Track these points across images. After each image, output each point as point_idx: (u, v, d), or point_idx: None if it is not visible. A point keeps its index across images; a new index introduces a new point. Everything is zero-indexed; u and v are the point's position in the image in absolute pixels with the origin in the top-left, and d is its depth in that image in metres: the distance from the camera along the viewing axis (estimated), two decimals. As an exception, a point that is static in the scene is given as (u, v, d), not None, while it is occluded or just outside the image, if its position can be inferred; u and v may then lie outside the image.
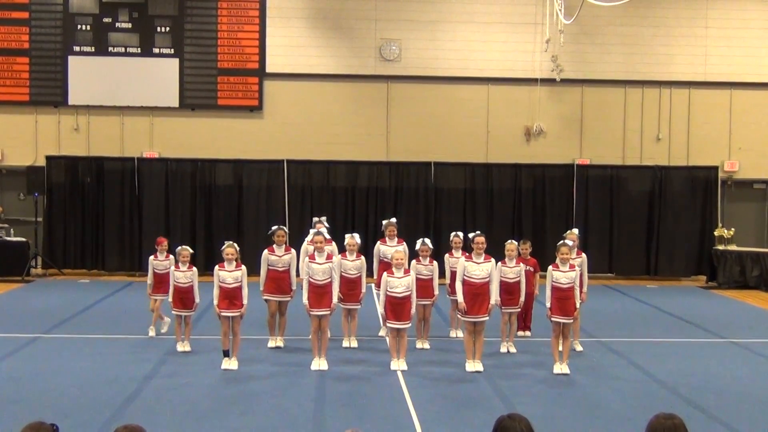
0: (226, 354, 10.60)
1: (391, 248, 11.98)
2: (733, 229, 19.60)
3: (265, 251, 11.75)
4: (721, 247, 19.52)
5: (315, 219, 13.10)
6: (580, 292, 11.02)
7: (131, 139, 20.15)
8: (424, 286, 11.36)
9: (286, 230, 12.05)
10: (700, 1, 20.68)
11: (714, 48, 20.69)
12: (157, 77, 19.97)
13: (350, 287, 11.51)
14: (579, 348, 11.88)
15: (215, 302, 10.66)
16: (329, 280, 10.65)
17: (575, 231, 12.42)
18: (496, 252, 11.37)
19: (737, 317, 15.55)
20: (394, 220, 12.74)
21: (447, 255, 12.23)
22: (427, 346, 11.90)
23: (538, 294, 12.46)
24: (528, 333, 12.74)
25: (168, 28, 19.96)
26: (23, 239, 19.06)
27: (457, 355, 11.25)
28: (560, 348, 10.58)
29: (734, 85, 20.75)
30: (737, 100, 20.84)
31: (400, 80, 20.45)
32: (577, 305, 10.70)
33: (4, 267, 18.50)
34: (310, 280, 10.62)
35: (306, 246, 11.90)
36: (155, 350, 11.49)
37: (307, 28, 20.34)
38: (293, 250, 11.85)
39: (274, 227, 11.90)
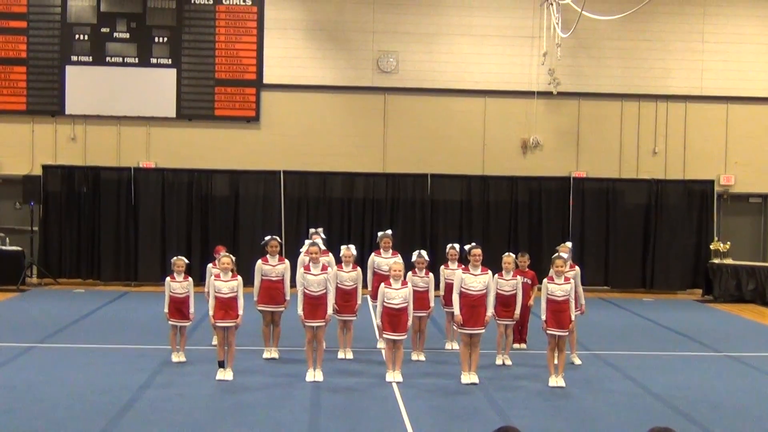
0: (221, 365, 10.58)
1: (385, 260, 12.02)
2: (728, 242, 19.61)
3: (259, 261, 11.75)
4: (716, 261, 19.53)
5: (312, 230, 13.08)
6: (576, 305, 11.07)
7: (128, 148, 20.14)
8: (419, 298, 11.35)
9: (279, 240, 12.06)
10: (697, 16, 20.76)
11: (710, 62, 20.77)
12: (155, 87, 19.98)
13: (346, 299, 11.53)
14: (577, 361, 11.84)
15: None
16: (324, 291, 10.64)
17: (568, 244, 12.45)
18: (492, 265, 11.37)
19: (733, 331, 15.53)
20: (389, 232, 12.73)
21: (442, 267, 12.26)
22: (422, 358, 11.89)
23: (532, 305, 12.46)
24: (524, 345, 12.74)
25: (166, 39, 19.98)
26: (18, 248, 19.00)
27: (452, 367, 11.23)
28: (556, 361, 10.58)
29: (730, 100, 20.80)
30: (733, 114, 20.89)
31: (397, 92, 20.49)
32: (572, 318, 10.71)
33: (-1, 276, 18.48)
34: (305, 291, 10.62)
35: (303, 257, 11.90)
36: (150, 360, 11.46)
37: (305, 39, 20.38)
38: (287, 261, 11.87)
39: (267, 237, 11.93)
